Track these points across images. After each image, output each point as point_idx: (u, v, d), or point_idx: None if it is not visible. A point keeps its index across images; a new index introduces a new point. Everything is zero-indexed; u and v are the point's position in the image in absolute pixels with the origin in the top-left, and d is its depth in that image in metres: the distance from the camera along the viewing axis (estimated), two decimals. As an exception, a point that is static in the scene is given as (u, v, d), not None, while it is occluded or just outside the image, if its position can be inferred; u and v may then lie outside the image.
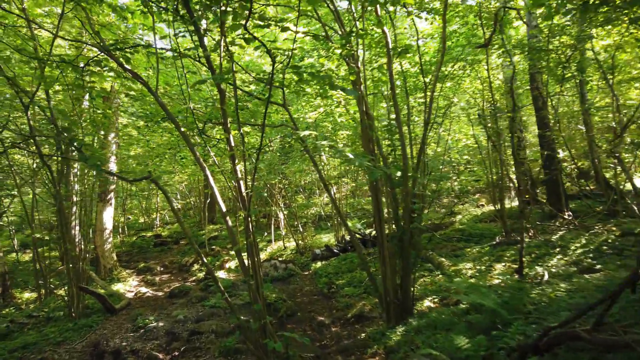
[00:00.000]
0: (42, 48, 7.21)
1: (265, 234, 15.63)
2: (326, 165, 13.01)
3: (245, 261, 4.89)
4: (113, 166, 12.95)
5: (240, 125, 4.25)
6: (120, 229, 19.54)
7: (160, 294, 11.03)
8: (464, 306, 5.02)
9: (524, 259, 7.11)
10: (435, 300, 6.64)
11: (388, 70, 5.31)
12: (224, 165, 9.82)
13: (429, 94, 6.05)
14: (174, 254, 16.12)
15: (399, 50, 4.89)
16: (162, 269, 13.82)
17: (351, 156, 3.43)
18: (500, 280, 6.66)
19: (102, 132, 13.40)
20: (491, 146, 10.23)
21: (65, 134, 4.45)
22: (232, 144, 4.37)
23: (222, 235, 17.18)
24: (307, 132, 3.94)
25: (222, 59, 4.04)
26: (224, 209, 4.56)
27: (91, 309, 9.34)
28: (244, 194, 4.50)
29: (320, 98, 7.41)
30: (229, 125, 4.36)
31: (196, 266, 13.24)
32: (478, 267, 7.78)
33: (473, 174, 16.66)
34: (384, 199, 7.01)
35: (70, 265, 8.66)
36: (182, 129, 4.49)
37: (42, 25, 7.04)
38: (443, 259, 8.81)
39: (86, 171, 10.56)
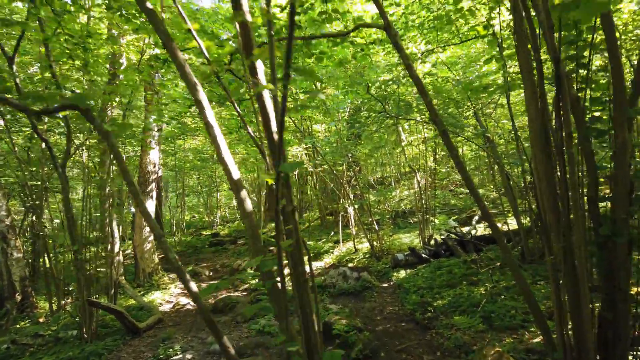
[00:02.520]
0: None
1: (332, 232, 13.09)
2: (407, 146, 10.18)
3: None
4: (156, 154, 11.11)
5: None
6: (174, 227, 18.03)
7: (202, 306, 8.86)
8: None
9: None
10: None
11: None
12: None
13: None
14: (229, 255, 14.14)
15: None
16: (211, 273, 11.77)
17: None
18: None
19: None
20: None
21: None
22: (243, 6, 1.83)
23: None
24: None
25: None
26: (235, 175, 1.99)
27: (110, 327, 7.35)
28: (274, 123, 1.96)
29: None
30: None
31: (250, 270, 10.99)
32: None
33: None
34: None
35: (81, 273, 6.68)
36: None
37: None
38: None
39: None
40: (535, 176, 3.06)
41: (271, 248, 12.74)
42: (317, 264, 11.01)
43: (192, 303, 9.10)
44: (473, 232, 9.42)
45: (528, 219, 7.36)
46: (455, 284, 6.77)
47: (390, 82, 6.13)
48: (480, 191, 12.02)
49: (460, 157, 3.28)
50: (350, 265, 10.14)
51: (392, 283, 8.16)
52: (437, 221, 11.69)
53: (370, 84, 5.99)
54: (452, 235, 9.02)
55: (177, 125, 13.03)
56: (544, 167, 2.70)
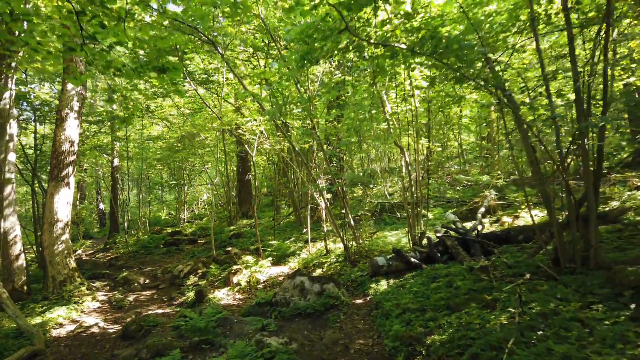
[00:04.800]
0: None
1: (304, 230, 10.75)
2: (393, 116, 7.83)
3: None
4: (75, 130, 8.71)
5: None
6: (127, 224, 15.60)
7: (112, 329, 6.54)
8: None
9: None
10: None
11: None
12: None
13: None
14: (181, 257, 11.78)
15: None
16: (147, 281, 9.40)
17: None
18: None
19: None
20: None
21: None
22: None
23: (247, 233, 12.56)
24: None
25: None
26: None
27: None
28: None
29: None
30: None
31: (192, 278, 8.66)
32: None
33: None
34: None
35: None
36: None
37: None
38: None
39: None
40: None
41: (228, 249, 10.41)
42: (280, 270, 8.70)
43: (101, 324, 6.75)
44: (479, 228, 7.12)
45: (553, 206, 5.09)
46: (459, 305, 4.46)
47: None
48: (484, 178, 9.74)
49: None
50: (319, 271, 7.83)
51: (368, 299, 5.86)
52: (431, 216, 9.42)
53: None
54: (452, 233, 6.74)
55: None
56: None
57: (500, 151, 13.10)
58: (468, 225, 7.55)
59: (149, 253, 12.83)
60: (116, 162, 17.16)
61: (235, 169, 18.32)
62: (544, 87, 4.98)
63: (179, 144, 15.54)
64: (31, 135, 13.49)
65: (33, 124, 12.03)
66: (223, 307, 7.00)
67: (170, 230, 16.27)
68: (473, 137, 17.57)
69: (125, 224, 15.20)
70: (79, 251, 15.83)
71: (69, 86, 8.72)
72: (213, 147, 15.13)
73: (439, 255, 6.37)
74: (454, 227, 6.91)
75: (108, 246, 15.36)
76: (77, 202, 19.71)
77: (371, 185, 11.44)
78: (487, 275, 5.05)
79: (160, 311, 7.15)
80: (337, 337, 4.72)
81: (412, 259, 6.33)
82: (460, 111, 12.72)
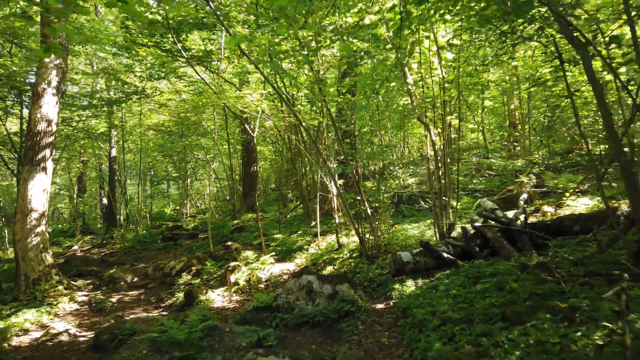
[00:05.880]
0: None
1: (313, 223, 9.61)
2: (416, 89, 6.68)
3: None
4: (53, 108, 7.69)
5: None
6: (122, 218, 14.63)
7: (85, 337, 5.49)
8: None
9: None
10: None
11: None
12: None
13: None
14: (178, 253, 10.74)
15: None
16: (136, 279, 8.36)
17: None
18: None
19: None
20: None
21: None
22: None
23: (251, 227, 11.47)
24: None
25: None
26: None
27: None
28: None
29: None
30: None
31: (185, 276, 7.59)
32: None
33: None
34: None
35: None
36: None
37: None
38: None
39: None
40: None
41: (228, 244, 9.33)
42: (285, 267, 7.60)
43: (72, 330, 5.69)
44: (521, 217, 5.92)
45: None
46: (520, 315, 3.30)
47: None
48: (519, 163, 8.52)
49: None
50: (330, 268, 6.71)
51: (392, 303, 4.71)
52: (458, 206, 8.22)
53: None
54: (491, 223, 5.56)
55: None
56: None
57: (528, 138, 11.83)
58: (510, 213, 6.35)
59: (145, 249, 11.82)
60: (114, 152, 16.20)
61: (240, 161, 17.23)
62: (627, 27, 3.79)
63: (171, 123, 14.50)
64: (18, 122, 12.56)
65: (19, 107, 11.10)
66: (216, 310, 5.93)
67: (170, 225, 15.28)
68: (494, 124, 16.26)
69: (121, 218, 14.22)
70: (75, 247, 14.93)
71: (47, 58, 7.69)
72: (213, 134, 14.08)
73: (477, 249, 5.20)
74: (493, 216, 5.74)
75: (105, 241, 14.43)
76: (75, 196, 18.79)
77: (391, 168, 10.27)
78: (549, 274, 3.87)
79: (144, 315, 6.08)
80: (355, 354, 3.59)
81: (445, 254, 5.17)
82: (483, 91, 11.46)
